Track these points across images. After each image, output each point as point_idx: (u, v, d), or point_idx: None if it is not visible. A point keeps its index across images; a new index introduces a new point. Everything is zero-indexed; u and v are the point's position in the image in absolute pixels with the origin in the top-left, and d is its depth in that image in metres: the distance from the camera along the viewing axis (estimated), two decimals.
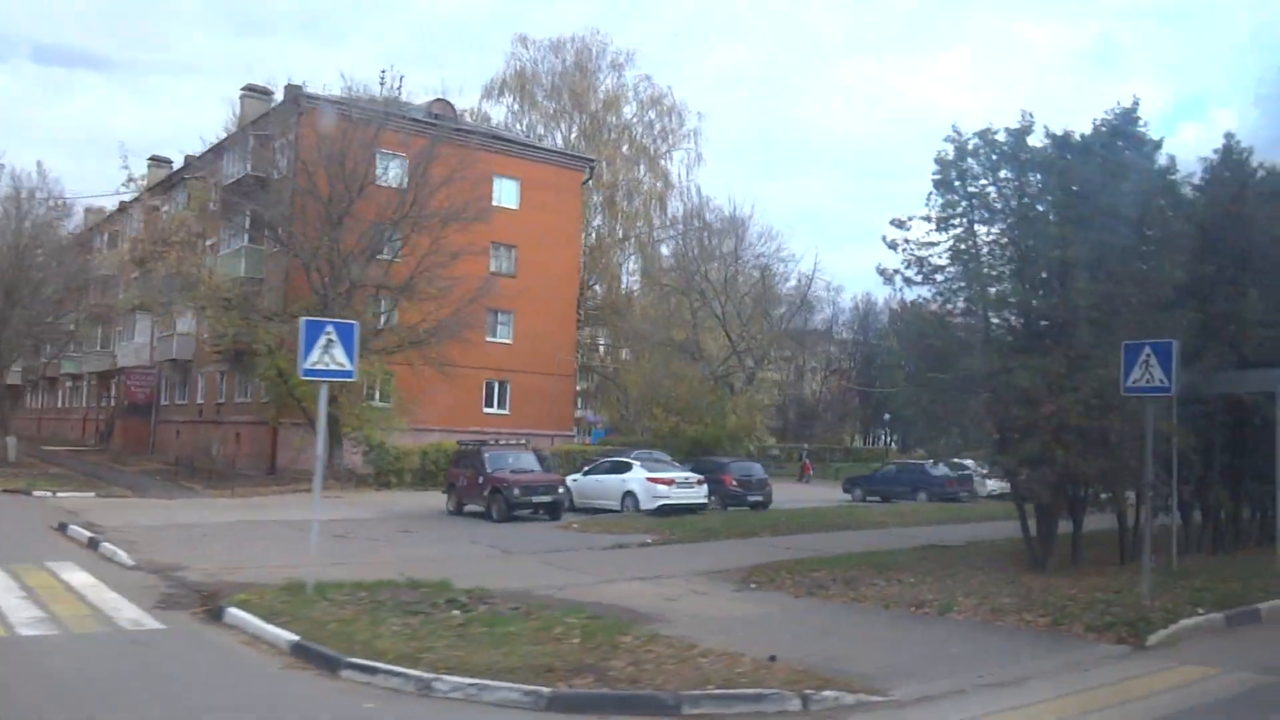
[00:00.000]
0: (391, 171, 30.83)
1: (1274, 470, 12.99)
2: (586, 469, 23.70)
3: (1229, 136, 15.99)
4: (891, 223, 14.01)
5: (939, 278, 13.90)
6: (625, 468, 22.03)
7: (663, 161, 44.90)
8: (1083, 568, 13.42)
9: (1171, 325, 13.38)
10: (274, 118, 32.17)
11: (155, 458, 39.62)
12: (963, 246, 13.66)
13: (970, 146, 13.68)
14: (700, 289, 39.08)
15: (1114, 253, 12.85)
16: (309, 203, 28.55)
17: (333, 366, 10.17)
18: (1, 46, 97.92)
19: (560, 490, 20.16)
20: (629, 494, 21.13)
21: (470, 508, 20.64)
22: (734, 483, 22.78)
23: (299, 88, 32.65)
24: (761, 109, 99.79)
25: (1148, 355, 10.84)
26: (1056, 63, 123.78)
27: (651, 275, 44.19)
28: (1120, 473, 12.66)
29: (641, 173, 44.47)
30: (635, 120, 44.43)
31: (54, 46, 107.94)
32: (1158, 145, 13.75)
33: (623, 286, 45.52)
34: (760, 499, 22.69)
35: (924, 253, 13.83)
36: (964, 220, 13.71)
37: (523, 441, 22.18)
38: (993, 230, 13.71)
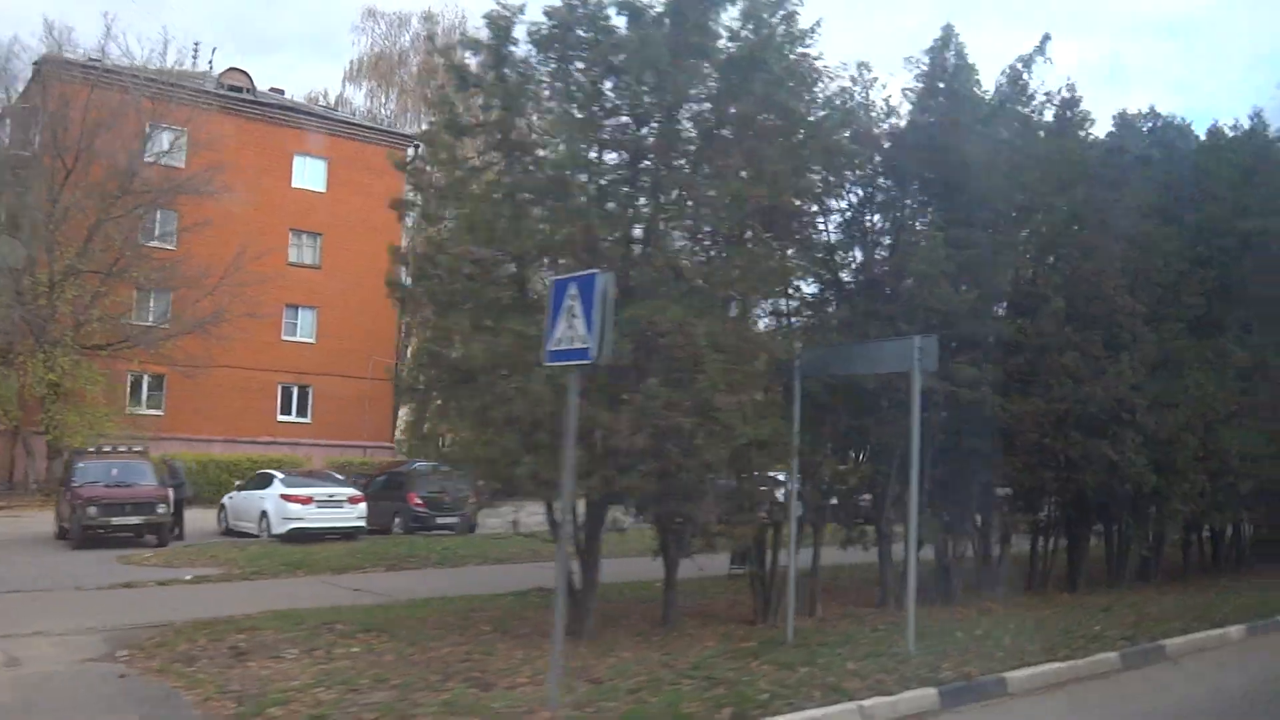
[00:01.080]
0: (166, 147, 27.22)
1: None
2: (239, 484, 19.49)
3: (948, 29, 11.72)
4: (417, 140, 9.95)
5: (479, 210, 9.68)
6: (267, 482, 17.80)
7: None
8: (675, 632, 9.24)
9: (764, 275, 9.29)
10: (31, 89, 28.35)
11: None
12: (492, 162, 9.53)
13: (514, 24, 9.51)
14: None
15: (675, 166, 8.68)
16: (33, 178, 24.87)
17: None
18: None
19: (161, 509, 15.93)
20: (264, 514, 16.92)
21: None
22: (419, 502, 18.43)
23: (97, 60, 28.99)
24: None
25: (573, 299, 6.55)
26: (1061, 80, 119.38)
27: None
28: (674, 492, 8.43)
29: None
30: None
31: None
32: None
33: None
34: (455, 521, 18.25)
35: (454, 173, 9.69)
36: (500, 129, 9.53)
37: (139, 449, 18.02)
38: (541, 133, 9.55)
